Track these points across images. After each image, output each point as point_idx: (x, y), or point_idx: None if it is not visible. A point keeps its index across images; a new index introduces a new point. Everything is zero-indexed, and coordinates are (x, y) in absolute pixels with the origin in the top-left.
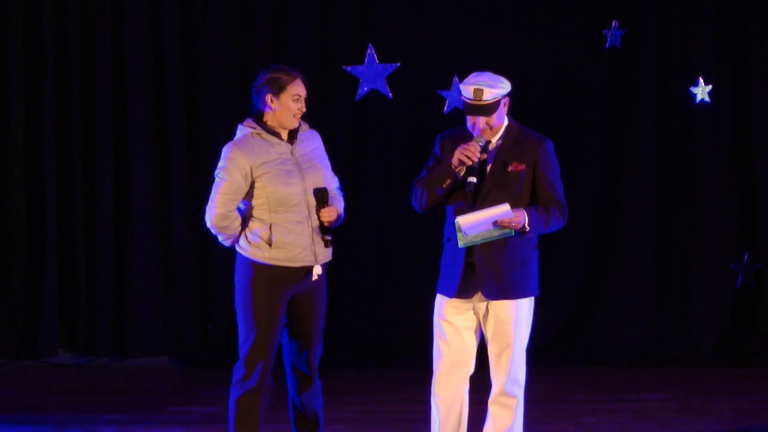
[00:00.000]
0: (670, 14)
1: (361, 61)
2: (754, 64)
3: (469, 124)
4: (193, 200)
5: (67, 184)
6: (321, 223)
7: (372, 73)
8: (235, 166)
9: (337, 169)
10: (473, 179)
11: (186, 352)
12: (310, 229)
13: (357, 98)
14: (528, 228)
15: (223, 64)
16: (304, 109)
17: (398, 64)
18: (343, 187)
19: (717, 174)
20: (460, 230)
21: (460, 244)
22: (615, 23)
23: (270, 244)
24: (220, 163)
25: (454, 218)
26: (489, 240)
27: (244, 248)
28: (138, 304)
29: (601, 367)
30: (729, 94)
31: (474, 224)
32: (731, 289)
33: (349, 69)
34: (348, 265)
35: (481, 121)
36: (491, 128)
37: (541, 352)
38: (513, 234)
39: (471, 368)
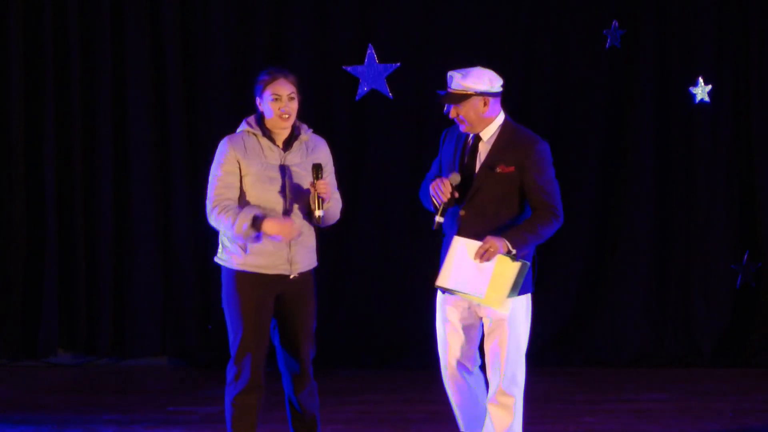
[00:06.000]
0: (670, 14)
1: (361, 61)
2: (754, 64)
3: (449, 115)
4: (193, 200)
5: (67, 184)
6: (317, 197)
7: (372, 73)
8: (227, 158)
9: (337, 168)
10: (440, 219)
11: (186, 352)
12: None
13: (357, 98)
14: (514, 250)
15: (223, 64)
16: (289, 109)
17: (398, 64)
18: (343, 187)
19: (717, 174)
20: (460, 293)
21: (502, 310)
22: (615, 23)
23: (245, 250)
24: (215, 159)
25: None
26: (516, 285)
27: (220, 256)
28: (138, 304)
29: (601, 367)
30: (729, 94)
31: (453, 275)
32: (731, 289)
33: (349, 69)
34: (348, 264)
35: (452, 109)
36: (464, 121)
37: (541, 352)
38: (527, 264)
39: (476, 362)
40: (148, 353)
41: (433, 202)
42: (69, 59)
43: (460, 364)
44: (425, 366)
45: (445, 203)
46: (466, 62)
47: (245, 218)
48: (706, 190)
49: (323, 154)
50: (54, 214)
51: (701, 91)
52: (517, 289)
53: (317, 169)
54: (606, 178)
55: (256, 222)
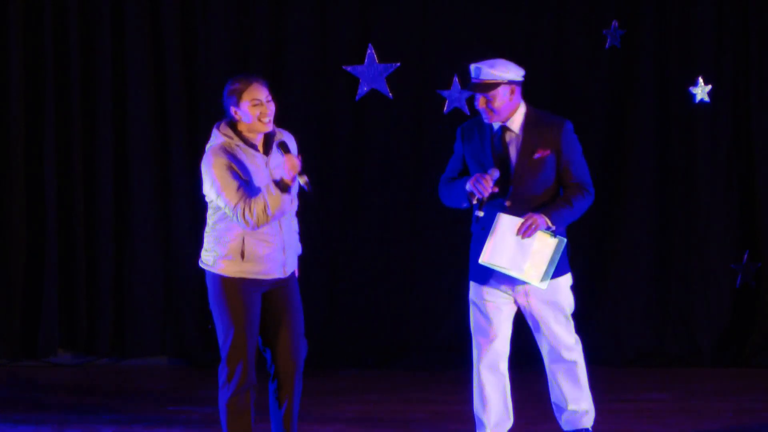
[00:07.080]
0: (670, 14)
1: (361, 61)
2: (754, 64)
3: (476, 105)
4: (193, 200)
5: (67, 184)
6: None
7: (372, 73)
8: (224, 166)
9: (337, 168)
10: (480, 213)
11: (186, 352)
12: (282, 243)
13: (357, 98)
14: (553, 226)
15: (223, 65)
16: (269, 112)
17: (398, 64)
18: (343, 187)
19: (717, 174)
20: (500, 267)
21: (541, 286)
22: (615, 23)
23: (243, 256)
24: (209, 171)
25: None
26: (553, 261)
27: (208, 262)
28: (138, 304)
29: (601, 367)
30: (729, 94)
31: (495, 251)
32: (731, 289)
33: (349, 69)
34: (348, 264)
35: (481, 99)
36: (493, 111)
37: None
38: (563, 240)
39: (508, 345)
40: (148, 353)
41: (469, 198)
42: (69, 59)
43: (494, 360)
44: (425, 366)
45: (485, 198)
46: (465, 62)
47: (273, 193)
48: (706, 190)
49: (293, 147)
50: (54, 214)
51: (701, 91)
52: (554, 265)
53: (283, 147)
54: (606, 177)
55: (281, 185)
